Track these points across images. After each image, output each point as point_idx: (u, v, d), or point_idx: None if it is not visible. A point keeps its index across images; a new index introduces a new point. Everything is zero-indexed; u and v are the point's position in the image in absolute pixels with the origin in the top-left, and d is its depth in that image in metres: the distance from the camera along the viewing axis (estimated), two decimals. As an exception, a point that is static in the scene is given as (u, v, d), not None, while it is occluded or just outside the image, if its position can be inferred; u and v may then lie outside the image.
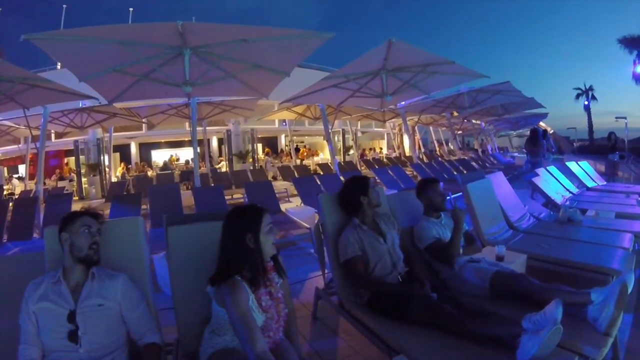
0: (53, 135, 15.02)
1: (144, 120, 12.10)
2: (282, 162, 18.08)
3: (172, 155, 20.55)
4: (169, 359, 1.94)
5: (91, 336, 1.59)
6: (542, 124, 23.03)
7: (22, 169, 14.48)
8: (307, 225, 4.98)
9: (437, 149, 22.72)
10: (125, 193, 10.52)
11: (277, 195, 7.43)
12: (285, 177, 12.22)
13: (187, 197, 6.45)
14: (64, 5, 22.46)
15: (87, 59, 4.80)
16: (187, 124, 15.76)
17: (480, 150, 21.11)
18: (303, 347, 2.54)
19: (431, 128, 21.81)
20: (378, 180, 8.79)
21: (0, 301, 1.71)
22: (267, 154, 19.98)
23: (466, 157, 14.55)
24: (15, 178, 16.85)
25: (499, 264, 2.61)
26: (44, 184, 13.94)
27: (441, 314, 1.98)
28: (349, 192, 2.57)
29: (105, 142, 14.93)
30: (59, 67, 13.04)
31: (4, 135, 11.65)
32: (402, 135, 22.29)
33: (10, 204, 6.27)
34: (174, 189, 6.71)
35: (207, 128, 14.48)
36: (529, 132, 13.73)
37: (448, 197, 6.54)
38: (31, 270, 1.88)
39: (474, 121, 18.64)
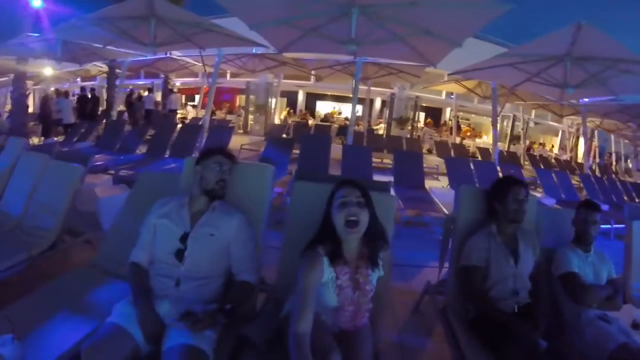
0: (229, 74, 16.91)
1: (312, 72, 12.62)
2: (440, 137, 17.32)
3: (334, 108, 21.42)
4: (262, 297, 2.06)
5: (195, 259, 1.73)
6: None
7: (197, 99, 16.95)
8: (446, 211, 4.74)
9: (613, 163, 18.88)
10: (284, 136, 11.46)
11: (425, 170, 7.13)
12: (440, 153, 11.76)
13: (336, 152, 6.61)
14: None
15: (256, 9, 5.03)
16: (352, 81, 16.24)
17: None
18: (391, 335, 2.47)
19: (612, 137, 18.16)
20: (538, 182, 7.91)
21: (148, 208, 1.92)
22: (427, 125, 19.35)
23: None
24: (190, 105, 19.66)
25: (632, 334, 2.05)
26: (215, 114, 15.99)
27: None
28: (489, 192, 2.27)
29: (274, 87, 16.20)
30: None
31: (183, 69, 13.23)
32: (578, 137, 19.02)
33: (179, 126, 7.40)
34: (326, 141, 6.91)
35: (372, 88, 14.51)
36: None
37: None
38: (174, 188, 2.14)
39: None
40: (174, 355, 1.45)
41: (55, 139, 9.62)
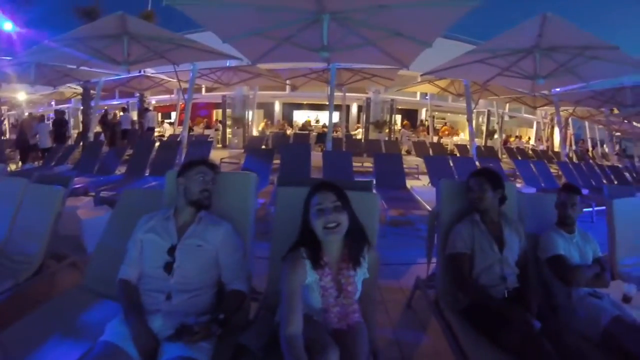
0: (204, 89, 16.85)
1: (287, 82, 12.64)
2: (418, 137, 17.54)
3: (308, 118, 21.54)
4: (254, 306, 2.05)
5: (184, 271, 1.74)
6: None
7: (174, 116, 16.93)
8: (429, 208, 4.79)
9: (590, 149, 19.42)
10: (263, 147, 11.46)
11: (406, 170, 7.28)
12: (419, 152, 11.94)
13: (317, 159, 6.66)
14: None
15: (228, 22, 5.04)
16: (327, 89, 16.37)
17: (637, 159, 17.36)
18: (386, 332, 2.49)
19: (586, 123, 18.56)
20: (517, 173, 8.08)
21: (132, 225, 1.93)
22: (404, 127, 19.61)
23: (620, 165, 12.17)
24: (167, 123, 19.47)
25: (624, 307, 2.12)
26: (192, 130, 15.87)
27: (537, 352, 1.67)
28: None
29: (251, 99, 16.18)
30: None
31: (158, 86, 13.21)
32: (553, 127, 19.52)
33: (157, 144, 7.31)
34: (305, 149, 6.99)
35: (347, 94, 14.68)
36: None
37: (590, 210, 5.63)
38: (157, 204, 2.14)
39: (635, 124, 15.14)
40: None
41: (34, 164, 9.44)
